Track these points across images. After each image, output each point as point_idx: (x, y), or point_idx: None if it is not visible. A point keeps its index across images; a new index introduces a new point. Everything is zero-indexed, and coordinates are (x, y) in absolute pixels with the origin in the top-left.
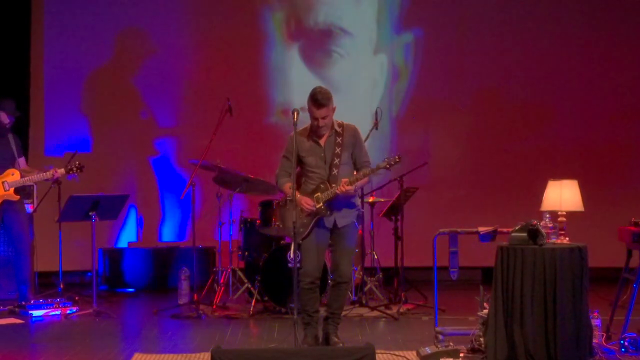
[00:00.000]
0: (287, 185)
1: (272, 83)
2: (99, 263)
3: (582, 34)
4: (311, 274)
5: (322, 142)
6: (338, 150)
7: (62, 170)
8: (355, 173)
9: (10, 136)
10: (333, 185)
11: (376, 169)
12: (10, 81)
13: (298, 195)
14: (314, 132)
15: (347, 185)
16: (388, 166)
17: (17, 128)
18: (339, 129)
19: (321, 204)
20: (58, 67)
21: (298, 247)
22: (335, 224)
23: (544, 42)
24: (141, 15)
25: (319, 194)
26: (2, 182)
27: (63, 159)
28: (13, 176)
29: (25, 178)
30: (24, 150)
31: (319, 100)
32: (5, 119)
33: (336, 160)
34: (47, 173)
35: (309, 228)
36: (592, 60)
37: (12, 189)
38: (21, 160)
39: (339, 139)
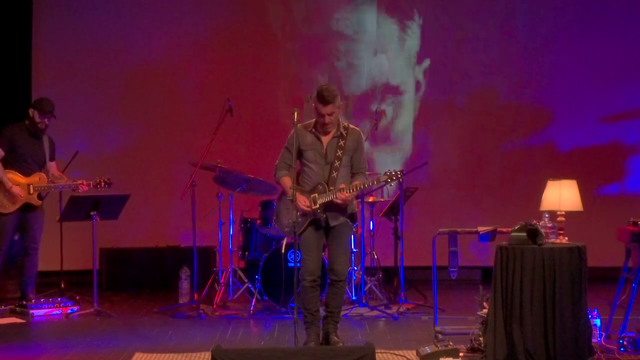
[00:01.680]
0: (285, 180)
1: (274, 83)
2: (100, 263)
3: (580, 33)
4: (313, 272)
5: (324, 139)
6: (340, 153)
7: (90, 183)
8: (352, 179)
9: (45, 139)
10: (331, 188)
11: (376, 182)
12: (12, 81)
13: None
14: (319, 129)
15: (347, 192)
16: (389, 180)
17: None
18: (343, 132)
19: (317, 205)
20: (61, 66)
21: (297, 246)
22: (327, 223)
23: (542, 41)
24: (144, 15)
25: (316, 194)
26: (28, 185)
27: (65, 158)
28: (40, 180)
29: (52, 184)
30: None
31: (325, 97)
32: (37, 118)
33: (337, 163)
34: (74, 184)
35: (303, 227)
36: (590, 59)
37: (36, 193)
38: (52, 164)
39: (341, 142)
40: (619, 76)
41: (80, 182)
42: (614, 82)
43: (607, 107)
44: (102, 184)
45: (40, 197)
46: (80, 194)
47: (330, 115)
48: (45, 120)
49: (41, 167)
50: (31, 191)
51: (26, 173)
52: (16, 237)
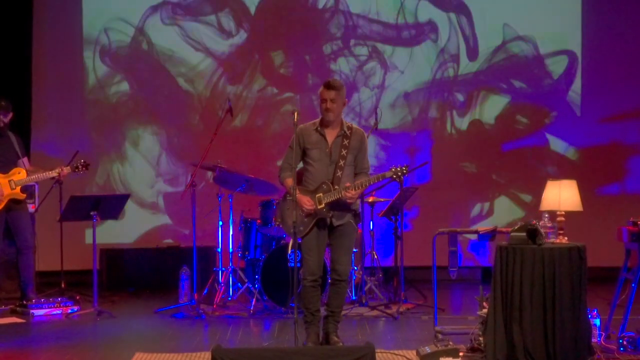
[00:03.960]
0: (289, 181)
1: (273, 83)
2: (100, 263)
3: (580, 33)
4: (314, 272)
5: (329, 138)
6: (344, 152)
7: (67, 169)
8: (355, 179)
9: (12, 136)
10: (336, 187)
11: (381, 178)
12: (12, 81)
13: (298, 195)
14: (323, 121)
15: (353, 190)
16: (394, 176)
17: (19, 128)
18: (347, 132)
19: (323, 204)
20: (61, 66)
21: (298, 246)
22: (331, 223)
23: (543, 41)
24: (144, 15)
25: (320, 194)
26: (9, 181)
27: (65, 158)
28: (19, 175)
29: (32, 176)
30: (27, 149)
31: (330, 82)
32: None
33: (341, 162)
34: (53, 172)
35: (309, 227)
36: (590, 59)
37: (18, 188)
38: (24, 160)
39: (346, 141)
40: (619, 76)
41: (58, 169)
42: (614, 82)
43: (607, 107)
44: (80, 167)
45: (22, 191)
46: (80, 194)
47: (332, 102)
48: (1, 117)
49: (15, 163)
50: (13, 187)
51: (3, 171)
52: None
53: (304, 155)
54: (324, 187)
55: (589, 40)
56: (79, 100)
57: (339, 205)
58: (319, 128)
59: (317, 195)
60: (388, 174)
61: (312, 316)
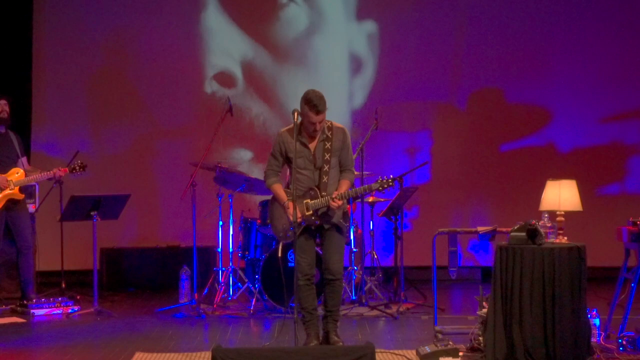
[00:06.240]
0: (276, 187)
1: (271, 82)
2: (100, 263)
3: (580, 33)
4: (306, 271)
5: (311, 145)
6: (327, 156)
7: (65, 170)
8: (340, 177)
9: (12, 135)
10: (323, 193)
11: (368, 189)
12: (12, 80)
13: (288, 202)
14: (305, 135)
15: (339, 199)
16: (381, 188)
17: (19, 128)
18: (328, 133)
19: (311, 211)
20: (61, 66)
21: (292, 247)
22: (321, 225)
23: (542, 40)
24: (144, 15)
25: (308, 200)
26: (8, 181)
27: (65, 158)
28: (18, 175)
29: (30, 177)
30: (27, 150)
31: (317, 106)
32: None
33: (326, 167)
34: (50, 172)
35: (298, 233)
36: (590, 60)
37: (17, 188)
38: (23, 160)
39: (328, 145)
40: (619, 76)
41: (55, 170)
42: (614, 83)
43: (607, 107)
44: (78, 168)
45: (20, 191)
46: (80, 194)
47: (320, 122)
48: (2, 104)
49: (15, 163)
50: (12, 187)
51: (2, 171)
52: None
53: (288, 161)
54: (311, 194)
55: (589, 40)
56: (80, 100)
57: (326, 211)
58: (299, 137)
59: (305, 202)
60: (374, 185)
61: (310, 315)
